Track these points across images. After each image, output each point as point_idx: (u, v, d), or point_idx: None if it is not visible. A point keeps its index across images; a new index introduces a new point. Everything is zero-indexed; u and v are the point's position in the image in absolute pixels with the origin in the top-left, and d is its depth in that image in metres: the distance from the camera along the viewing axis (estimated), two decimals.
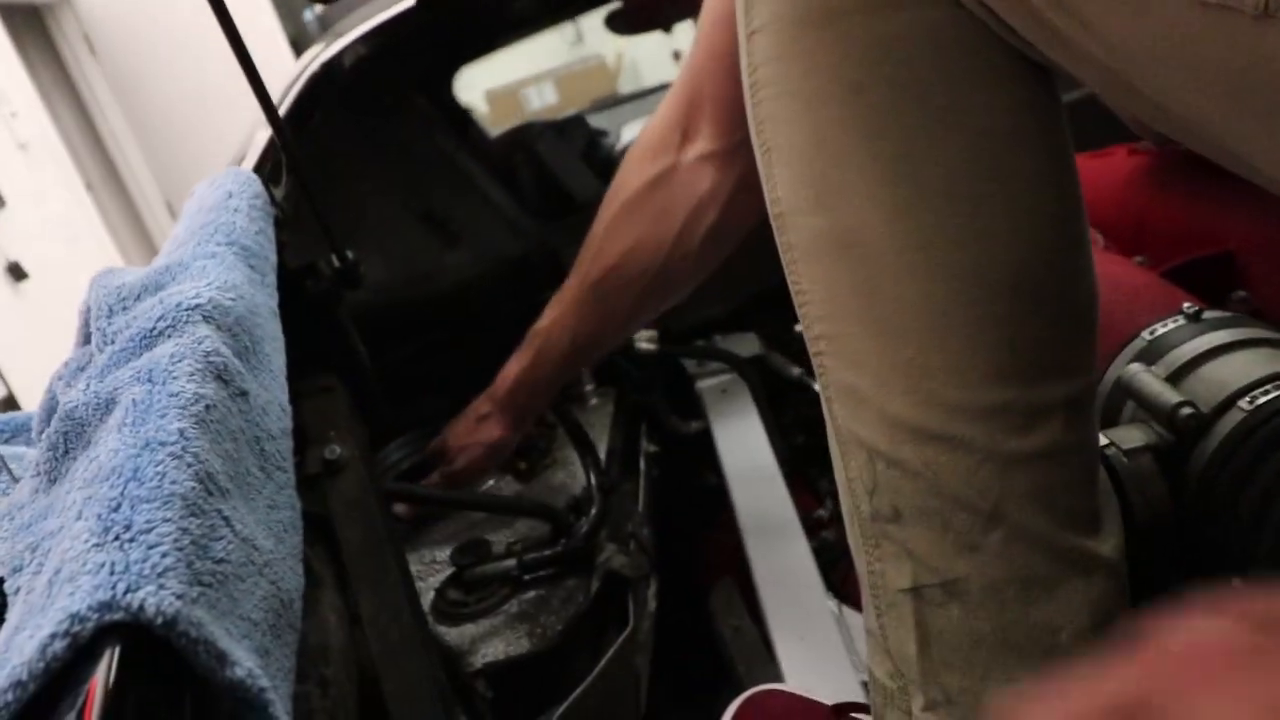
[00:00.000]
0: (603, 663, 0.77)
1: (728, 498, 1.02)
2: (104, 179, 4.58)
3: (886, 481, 0.48)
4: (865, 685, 0.70)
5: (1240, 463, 0.46)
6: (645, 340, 1.15)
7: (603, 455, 1.01)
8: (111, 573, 0.32)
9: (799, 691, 0.68)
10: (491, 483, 1.01)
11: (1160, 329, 0.56)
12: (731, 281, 1.28)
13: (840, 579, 0.98)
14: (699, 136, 0.78)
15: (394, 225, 1.07)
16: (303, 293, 0.75)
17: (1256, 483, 0.45)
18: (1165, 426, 0.51)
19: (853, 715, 0.61)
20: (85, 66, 4.51)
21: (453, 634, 0.84)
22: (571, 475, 1.01)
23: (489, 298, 1.13)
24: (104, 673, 0.31)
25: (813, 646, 0.75)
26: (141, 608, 0.31)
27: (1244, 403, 0.48)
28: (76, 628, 0.31)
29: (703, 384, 1.16)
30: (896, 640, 0.50)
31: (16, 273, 3.28)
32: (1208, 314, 0.56)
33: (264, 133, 0.89)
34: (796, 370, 1.16)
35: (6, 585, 0.40)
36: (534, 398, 0.96)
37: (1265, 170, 0.41)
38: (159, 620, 0.31)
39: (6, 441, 0.66)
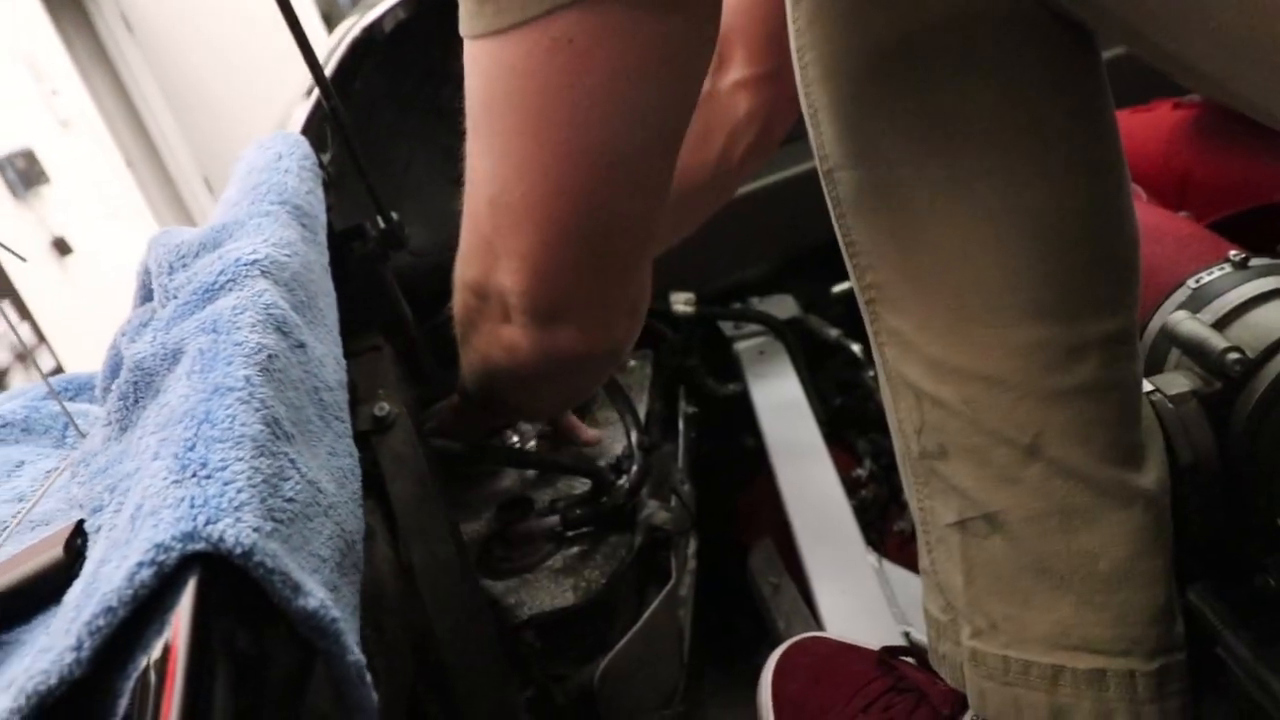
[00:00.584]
0: (647, 614, 0.79)
1: (765, 459, 1.03)
2: (143, 155, 4.64)
3: (932, 420, 0.50)
4: (906, 636, 0.72)
5: None
6: (683, 303, 1.15)
7: (642, 416, 1.02)
8: (192, 506, 0.34)
9: (842, 637, 0.69)
10: (531, 443, 1.03)
11: (1206, 277, 0.56)
12: (769, 243, 1.29)
13: (879, 537, 0.98)
14: (733, 64, 0.81)
15: (434, 190, 1.09)
16: (350, 254, 0.76)
17: None
18: (1211, 372, 0.51)
19: (901, 658, 0.62)
20: (123, 45, 4.55)
21: (498, 588, 0.86)
22: (612, 435, 1.02)
23: None
24: (189, 600, 0.32)
25: (854, 599, 0.76)
26: (221, 538, 0.33)
27: None
28: (162, 557, 0.32)
29: (740, 345, 1.17)
30: (945, 574, 0.52)
31: (61, 247, 3.35)
32: (1254, 261, 0.56)
33: (301, 108, 0.91)
34: (834, 332, 1.17)
35: (87, 524, 0.42)
36: None
37: None
38: (237, 550, 0.33)
39: (71, 399, 0.68)
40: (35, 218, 3.24)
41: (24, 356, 3.04)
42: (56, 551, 0.42)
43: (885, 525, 1.00)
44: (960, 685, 0.53)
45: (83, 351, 3.10)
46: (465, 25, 0.49)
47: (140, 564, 0.32)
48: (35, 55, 3.68)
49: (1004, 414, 0.48)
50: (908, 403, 0.52)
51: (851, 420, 1.13)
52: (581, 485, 0.93)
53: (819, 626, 0.78)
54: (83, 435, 0.63)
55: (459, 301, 0.70)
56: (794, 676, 0.69)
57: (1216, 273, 0.55)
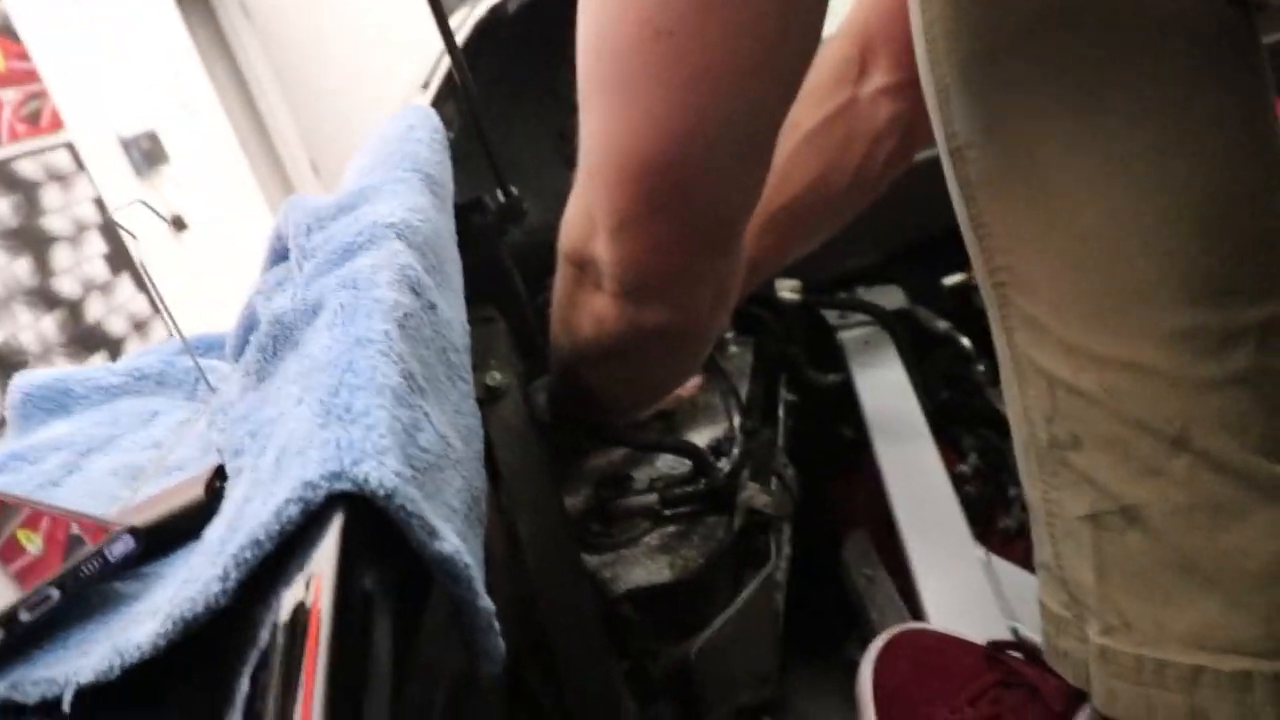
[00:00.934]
0: (745, 594, 0.79)
1: (863, 450, 1.02)
2: (256, 139, 4.81)
3: (1067, 409, 0.48)
4: (1014, 632, 0.70)
5: None
6: (789, 290, 1.15)
7: (744, 400, 1.02)
8: (338, 447, 0.35)
9: (947, 629, 0.68)
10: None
11: None
12: (878, 233, 1.26)
13: (981, 533, 0.96)
14: (875, 71, 0.81)
15: (547, 170, 1.10)
16: (469, 227, 0.78)
17: None
18: None
19: (1009, 652, 0.60)
20: (242, 33, 4.73)
21: (594, 562, 0.87)
22: (712, 419, 1.02)
23: None
24: (335, 536, 0.33)
25: (961, 591, 0.74)
26: (366, 479, 0.34)
27: None
28: (309, 494, 0.33)
29: (845, 335, 1.15)
30: (1073, 569, 0.50)
31: (179, 224, 3.50)
32: None
33: (419, 99, 0.93)
34: (943, 324, 1.14)
35: (228, 467, 0.44)
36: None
37: None
38: (380, 492, 0.34)
39: (202, 355, 0.71)
40: (156, 195, 3.39)
41: (141, 326, 3.19)
42: (197, 492, 0.44)
43: (990, 523, 0.98)
44: (1083, 683, 0.51)
45: (194, 322, 3.23)
46: None
47: (288, 500, 0.34)
48: (161, 42, 3.85)
49: (1150, 403, 0.46)
50: (1038, 389, 0.50)
51: (958, 415, 1.10)
52: (682, 466, 0.94)
53: (918, 619, 0.77)
54: (213, 389, 0.66)
55: (559, 274, 0.71)
56: (896, 667, 0.68)
57: None
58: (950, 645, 0.65)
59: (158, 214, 0.59)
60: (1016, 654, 0.61)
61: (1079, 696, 0.54)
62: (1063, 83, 0.46)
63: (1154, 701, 0.47)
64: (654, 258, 0.57)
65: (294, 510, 0.33)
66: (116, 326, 3.11)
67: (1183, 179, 0.45)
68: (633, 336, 0.64)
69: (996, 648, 0.61)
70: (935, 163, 1.26)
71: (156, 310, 3.26)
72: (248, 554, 0.34)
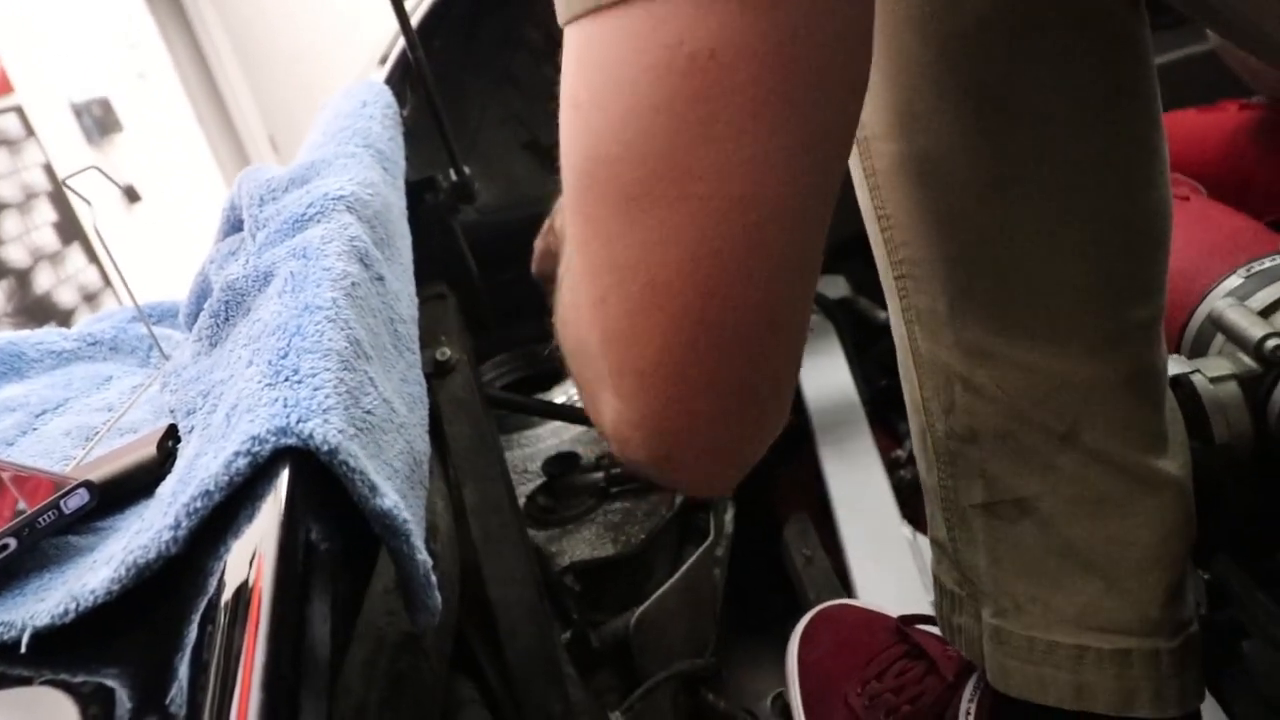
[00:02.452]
0: (684, 567, 0.82)
1: (806, 435, 1.05)
2: (213, 111, 4.74)
3: (963, 403, 0.49)
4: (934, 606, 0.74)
5: None
6: None
7: None
8: (285, 405, 0.37)
9: (870, 606, 0.71)
10: (579, 401, 1.06)
11: (1256, 267, 0.57)
12: None
13: (914, 514, 1.00)
14: None
15: (501, 152, 1.12)
16: (421, 204, 0.80)
17: None
18: (1252, 357, 0.52)
19: (918, 626, 0.64)
20: (200, 2, 4.65)
21: (541, 536, 0.89)
22: None
23: None
24: (282, 487, 0.35)
25: (886, 568, 0.78)
26: (311, 435, 0.36)
27: None
28: (257, 448, 0.35)
29: None
30: (967, 553, 0.52)
31: (131, 195, 3.45)
32: None
33: (376, 74, 0.94)
34: (884, 314, 1.18)
35: (180, 425, 0.46)
36: None
37: None
38: (324, 448, 0.36)
39: (155, 323, 0.72)
40: (108, 164, 3.34)
41: (91, 298, 3.14)
42: (150, 450, 0.46)
43: (920, 505, 1.02)
44: (976, 659, 0.54)
45: (145, 294, 3.19)
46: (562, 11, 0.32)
47: (237, 454, 0.36)
48: (117, 7, 3.78)
49: (1041, 401, 0.47)
50: (935, 382, 0.51)
51: (895, 402, 1.14)
52: None
53: (850, 596, 0.80)
54: (165, 356, 0.67)
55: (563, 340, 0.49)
56: (818, 643, 0.71)
57: (1267, 263, 0.56)
58: (867, 620, 0.68)
59: (113, 181, 0.60)
60: (928, 627, 0.64)
61: (969, 667, 0.57)
62: (970, 84, 0.46)
63: (1045, 679, 0.50)
64: (690, 413, 0.36)
65: (242, 463, 0.35)
66: (66, 297, 3.06)
67: (1077, 184, 0.46)
68: (661, 477, 0.42)
69: (905, 621, 0.64)
70: None
71: (108, 283, 3.21)
72: (198, 504, 0.36)
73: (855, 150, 0.51)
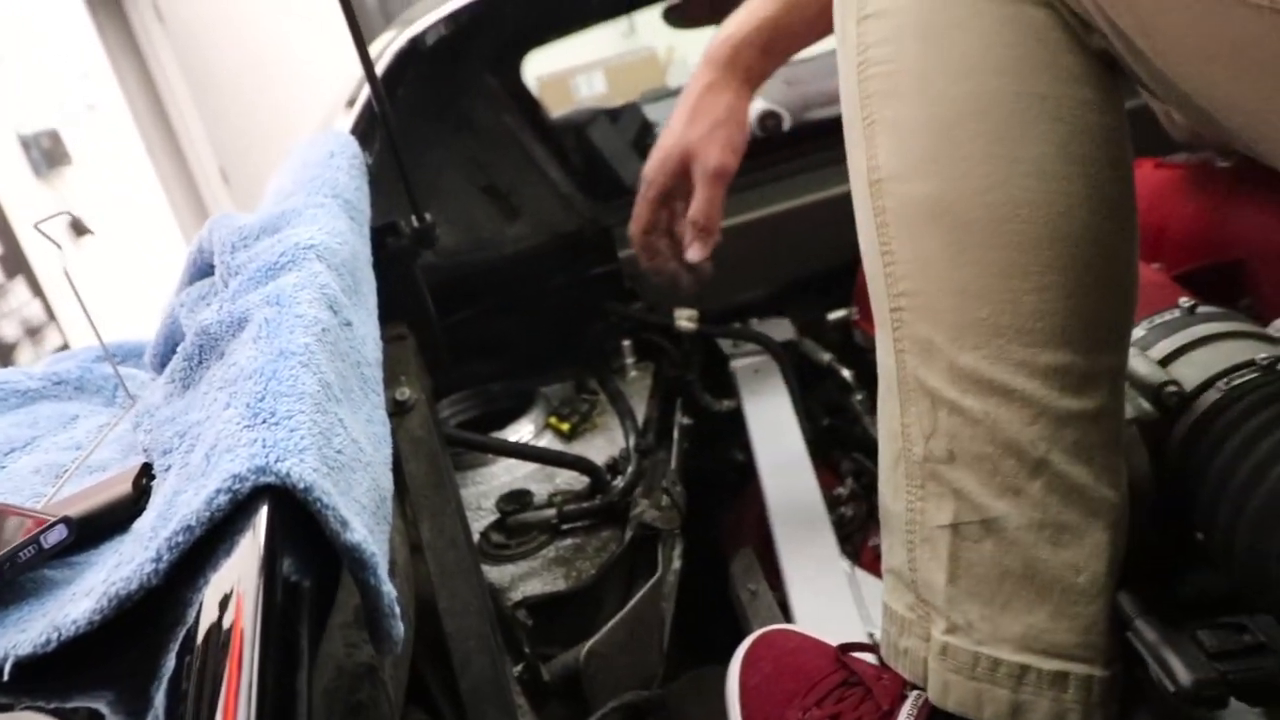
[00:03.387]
0: (632, 602, 0.85)
1: (753, 473, 1.09)
2: (163, 144, 4.71)
3: (946, 427, 0.54)
4: (870, 636, 0.77)
5: (1213, 434, 0.53)
6: (686, 319, 1.21)
7: (640, 423, 1.08)
8: (264, 446, 0.39)
9: (809, 633, 0.74)
10: (533, 439, 1.09)
11: (1159, 319, 0.62)
12: (770, 269, 1.35)
13: (855, 550, 1.04)
14: None
15: (460, 196, 1.15)
16: (383, 248, 0.82)
17: (1225, 451, 0.52)
18: (1152, 403, 0.57)
19: (855, 654, 0.67)
20: (154, 35, 4.64)
21: (494, 572, 0.92)
22: (610, 440, 1.08)
23: (543, 269, 1.21)
24: (262, 523, 0.38)
25: (825, 600, 0.81)
26: (288, 474, 0.38)
27: (1222, 383, 0.54)
28: (238, 486, 0.38)
29: (737, 363, 1.23)
30: (926, 572, 0.56)
31: (78, 228, 3.41)
32: (1201, 309, 0.62)
33: (343, 116, 0.97)
34: (827, 356, 1.23)
35: (157, 464, 0.48)
36: (767, 56, 0.92)
37: None
38: (300, 485, 0.39)
39: (120, 363, 0.74)
40: (56, 197, 3.30)
41: (35, 332, 3.09)
42: (125, 487, 0.48)
43: (861, 541, 1.06)
44: (918, 678, 0.57)
45: (90, 331, 3.15)
46: None
47: (219, 491, 0.38)
48: (68, 38, 3.76)
49: (1020, 428, 0.52)
50: (920, 408, 0.55)
51: (837, 441, 1.18)
52: (580, 482, 0.99)
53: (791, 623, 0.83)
54: (131, 396, 0.69)
55: None
56: (758, 667, 0.74)
57: (1168, 316, 0.62)
58: (807, 647, 0.71)
59: (86, 229, 0.62)
60: (867, 654, 0.68)
61: (903, 696, 0.60)
62: (982, 126, 0.52)
63: (983, 695, 0.54)
64: None
65: (223, 500, 0.38)
66: (8, 331, 3.01)
67: (1068, 230, 0.51)
68: None
69: (845, 649, 0.68)
70: (824, 205, 1.35)
71: (52, 316, 3.17)
72: (180, 538, 0.38)
73: (867, 191, 0.56)
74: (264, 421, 0.41)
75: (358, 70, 1.08)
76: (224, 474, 0.39)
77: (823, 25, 0.87)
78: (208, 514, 0.38)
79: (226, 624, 0.38)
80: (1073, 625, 0.52)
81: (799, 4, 0.88)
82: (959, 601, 0.54)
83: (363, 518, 0.44)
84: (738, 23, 0.90)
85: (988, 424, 0.52)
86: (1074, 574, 0.52)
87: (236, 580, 0.38)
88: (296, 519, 0.40)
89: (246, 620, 0.37)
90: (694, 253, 0.96)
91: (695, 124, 0.92)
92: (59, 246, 0.66)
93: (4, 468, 0.58)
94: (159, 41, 4.68)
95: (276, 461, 0.39)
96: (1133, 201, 0.55)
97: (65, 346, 3.25)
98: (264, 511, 0.39)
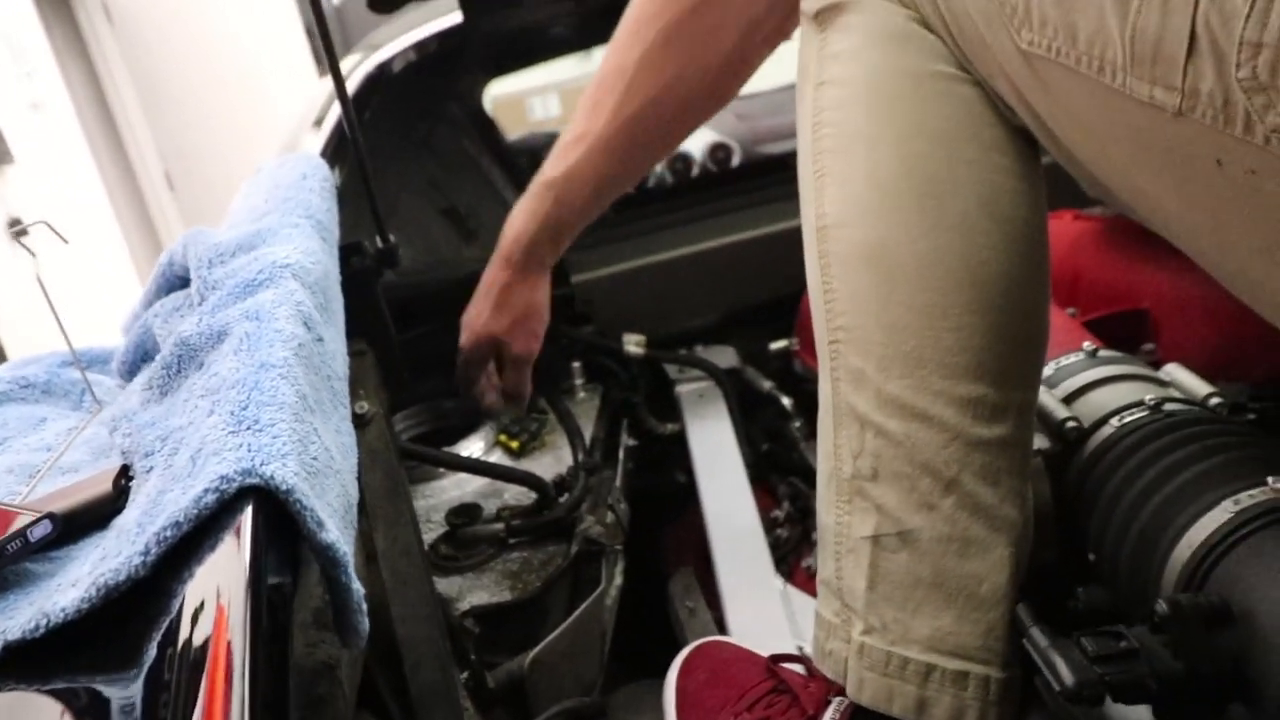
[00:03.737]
0: (576, 613, 0.88)
1: (693, 494, 1.14)
2: (108, 147, 4.65)
3: (872, 447, 0.60)
4: (800, 649, 0.82)
5: (1105, 466, 0.59)
6: (634, 344, 1.26)
7: (587, 442, 1.12)
8: (249, 450, 0.43)
9: (743, 645, 0.79)
10: (482, 456, 1.12)
11: (1064, 360, 0.68)
12: (716, 298, 1.41)
13: (789, 570, 1.09)
14: None
15: (419, 217, 1.19)
16: (347, 266, 0.86)
17: (1114, 481, 0.58)
18: (1054, 437, 0.63)
19: (785, 665, 0.72)
20: (101, 35, 4.58)
21: (442, 583, 0.95)
22: (557, 458, 1.12)
23: None
24: (247, 523, 0.41)
25: (759, 616, 0.86)
26: (272, 476, 0.42)
27: (1115, 420, 0.60)
28: (224, 486, 0.42)
29: (682, 388, 1.27)
30: (850, 579, 0.61)
31: (19, 230, 3.35)
32: (1102, 353, 0.68)
33: (310, 136, 1.00)
34: (768, 384, 1.28)
35: (138, 466, 0.51)
36: (555, 246, 1.03)
37: (1177, 232, 0.54)
38: (283, 488, 0.42)
39: (86, 368, 0.76)
40: None
41: None
42: (106, 487, 0.51)
43: (795, 561, 1.11)
44: (840, 677, 0.63)
45: (29, 334, 3.11)
46: None
47: (206, 490, 0.42)
48: (13, 35, 3.71)
49: (936, 450, 0.58)
50: (850, 431, 0.61)
51: (776, 466, 1.24)
52: (527, 498, 1.03)
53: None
54: (98, 401, 0.71)
55: None
56: (694, 676, 0.78)
57: (1072, 358, 0.68)
58: (740, 658, 0.76)
59: (61, 238, 0.65)
60: (796, 665, 0.73)
61: (827, 702, 0.65)
62: (915, 183, 0.59)
63: (893, 690, 0.59)
64: None
65: (211, 499, 0.41)
66: None
67: (989, 282, 0.58)
68: None
69: (775, 660, 0.72)
70: (770, 239, 1.41)
71: None
72: (168, 533, 0.41)
73: (814, 236, 0.63)
74: (248, 428, 0.44)
75: (321, 90, 1.12)
76: (212, 475, 0.42)
77: (595, 208, 1.00)
78: (195, 511, 0.41)
79: (211, 615, 0.42)
80: (974, 630, 0.57)
81: (568, 199, 0.98)
82: (876, 605, 0.60)
83: (334, 520, 0.48)
84: (523, 222, 1.01)
85: (908, 445, 0.58)
86: (977, 584, 0.57)
87: (222, 575, 0.42)
88: (274, 520, 0.44)
89: (235, 611, 0.41)
90: (508, 412, 1.11)
91: (500, 318, 1.05)
92: (34, 254, 0.68)
93: None
94: (106, 41, 4.62)
95: (261, 465, 0.42)
96: (1045, 256, 0.61)
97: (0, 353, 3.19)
98: (249, 511, 0.42)
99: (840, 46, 0.62)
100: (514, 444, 1.14)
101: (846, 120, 0.62)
